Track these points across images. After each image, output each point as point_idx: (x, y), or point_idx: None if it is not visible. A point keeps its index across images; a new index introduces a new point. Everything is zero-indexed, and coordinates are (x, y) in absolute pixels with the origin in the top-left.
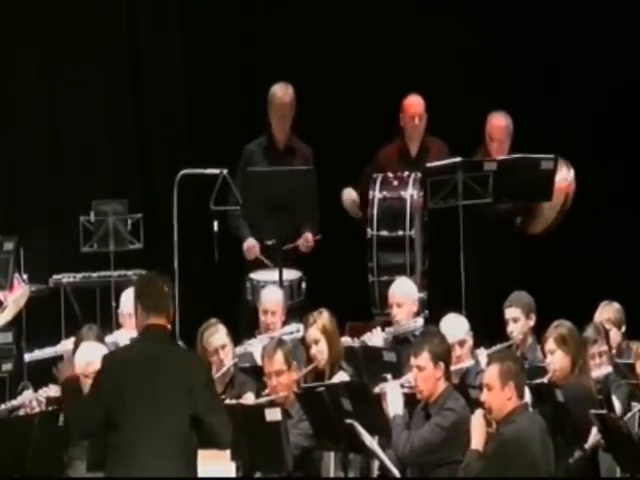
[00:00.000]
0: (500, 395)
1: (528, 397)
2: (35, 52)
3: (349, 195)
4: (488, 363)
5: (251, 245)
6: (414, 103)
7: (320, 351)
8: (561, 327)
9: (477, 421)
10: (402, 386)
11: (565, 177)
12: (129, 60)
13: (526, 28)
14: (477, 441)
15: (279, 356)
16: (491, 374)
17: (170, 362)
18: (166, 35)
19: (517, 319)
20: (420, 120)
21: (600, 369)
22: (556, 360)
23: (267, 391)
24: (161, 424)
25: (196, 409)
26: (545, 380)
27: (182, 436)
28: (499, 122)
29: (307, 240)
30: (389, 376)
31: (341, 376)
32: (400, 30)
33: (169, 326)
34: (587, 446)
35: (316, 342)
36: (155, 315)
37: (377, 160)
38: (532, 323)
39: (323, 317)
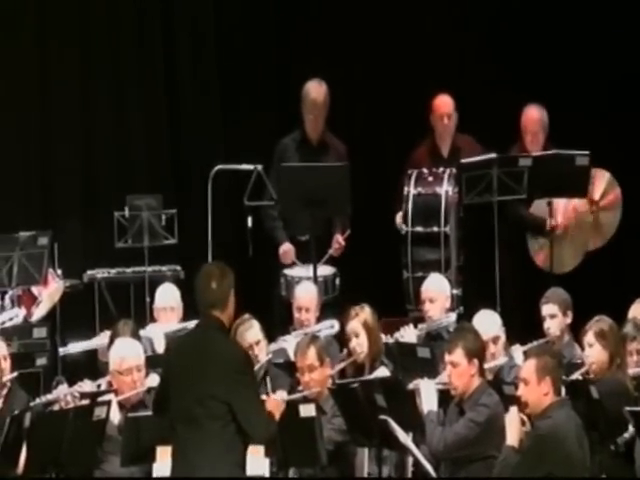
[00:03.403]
0: (536, 390)
1: (563, 393)
2: (71, 47)
3: None
4: (526, 358)
5: (287, 249)
6: (443, 103)
7: (360, 344)
8: (602, 322)
9: (512, 417)
10: (436, 382)
11: (611, 187)
12: (163, 57)
13: (561, 22)
14: (512, 437)
15: (312, 352)
16: (528, 368)
17: (210, 349)
18: (200, 32)
19: (554, 315)
20: (449, 120)
21: (638, 366)
22: (594, 354)
23: (300, 387)
24: (195, 408)
25: (228, 395)
26: (580, 376)
27: (216, 418)
28: (533, 114)
29: (338, 242)
30: (425, 378)
31: (382, 371)
32: (433, 25)
33: (224, 318)
34: (620, 441)
35: (356, 335)
36: (210, 307)
37: (410, 162)
38: (569, 320)
39: (365, 311)
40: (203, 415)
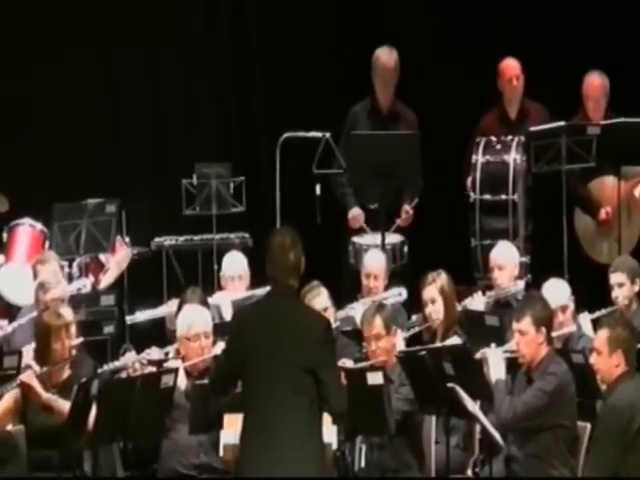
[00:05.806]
0: (608, 361)
1: None
2: (138, 14)
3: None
4: (598, 327)
5: (356, 214)
6: (510, 65)
7: (436, 311)
8: None
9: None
10: (504, 351)
11: None
12: (230, 25)
13: None
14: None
15: (378, 321)
16: (600, 339)
17: (291, 318)
18: (269, 1)
19: (622, 284)
20: (517, 81)
21: None
22: None
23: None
24: (280, 380)
25: (315, 365)
26: None
27: (301, 392)
28: (594, 81)
29: (406, 212)
30: (493, 345)
31: (454, 340)
32: None
33: (297, 286)
34: None
35: (433, 301)
36: (287, 276)
37: (478, 129)
38: (637, 288)
39: (442, 278)
40: (289, 390)
